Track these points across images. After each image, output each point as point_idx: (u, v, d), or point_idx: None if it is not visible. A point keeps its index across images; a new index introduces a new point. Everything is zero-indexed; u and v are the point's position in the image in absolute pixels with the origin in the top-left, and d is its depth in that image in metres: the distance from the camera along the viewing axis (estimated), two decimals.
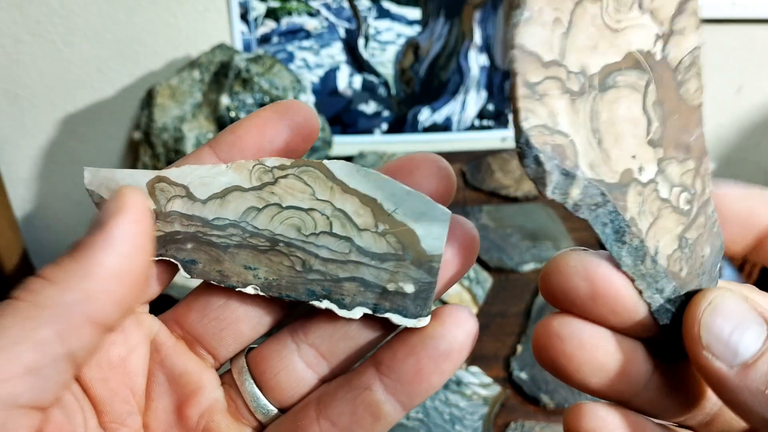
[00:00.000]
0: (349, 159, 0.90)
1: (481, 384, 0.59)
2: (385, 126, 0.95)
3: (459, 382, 0.60)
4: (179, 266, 0.20)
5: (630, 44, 0.19)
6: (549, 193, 0.18)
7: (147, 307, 0.21)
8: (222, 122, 0.75)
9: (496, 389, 0.58)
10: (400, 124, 0.95)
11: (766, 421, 0.17)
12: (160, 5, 0.80)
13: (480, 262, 0.79)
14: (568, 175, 0.18)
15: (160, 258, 0.20)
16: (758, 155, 1.06)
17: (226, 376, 0.22)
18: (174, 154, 0.76)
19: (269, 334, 0.22)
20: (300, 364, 0.21)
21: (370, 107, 0.93)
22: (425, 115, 0.95)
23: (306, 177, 0.19)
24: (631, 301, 0.19)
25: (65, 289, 0.17)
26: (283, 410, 0.21)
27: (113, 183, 0.19)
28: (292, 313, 0.21)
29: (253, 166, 0.19)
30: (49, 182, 0.94)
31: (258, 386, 0.21)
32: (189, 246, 0.20)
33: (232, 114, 0.74)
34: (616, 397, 0.19)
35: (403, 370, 0.19)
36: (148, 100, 0.78)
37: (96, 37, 0.82)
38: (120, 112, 0.88)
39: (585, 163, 0.18)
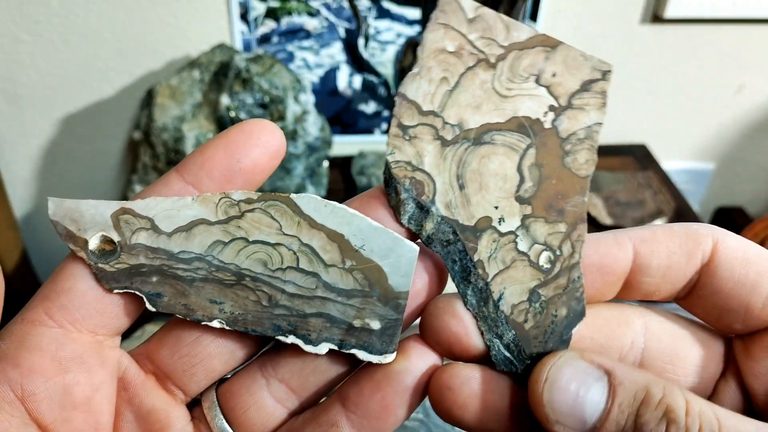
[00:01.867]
0: (348, 159, 0.90)
1: None
2: (385, 126, 0.95)
3: None
4: (144, 299, 0.20)
5: (517, 110, 0.20)
6: (405, 221, 0.20)
7: (118, 341, 0.21)
8: (222, 122, 0.75)
9: None
10: None
11: None
12: (160, 5, 0.80)
13: None
14: (423, 209, 0.20)
15: (125, 291, 0.20)
16: (758, 155, 1.05)
17: (195, 410, 0.21)
18: (174, 154, 0.76)
19: (239, 368, 0.21)
20: (269, 400, 0.21)
21: (370, 107, 0.93)
22: None
23: (273, 211, 0.19)
24: (473, 340, 0.20)
25: None
26: None
27: (77, 214, 0.19)
28: (260, 347, 0.21)
29: (220, 200, 0.19)
30: (48, 182, 0.94)
31: (228, 421, 0.21)
32: (154, 279, 0.20)
33: (232, 114, 0.74)
34: None
35: (370, 406, 0.19)
36: (148, 100, 0.78)
37: (96, 37, 0.82)
38: (120, 112, 0.88)
39: (441, 202, 0.20)
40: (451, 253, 0.20)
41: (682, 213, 0.84)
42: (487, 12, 0.20)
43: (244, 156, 0.19)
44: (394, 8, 0.85)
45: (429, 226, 0.20)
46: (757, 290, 0.19)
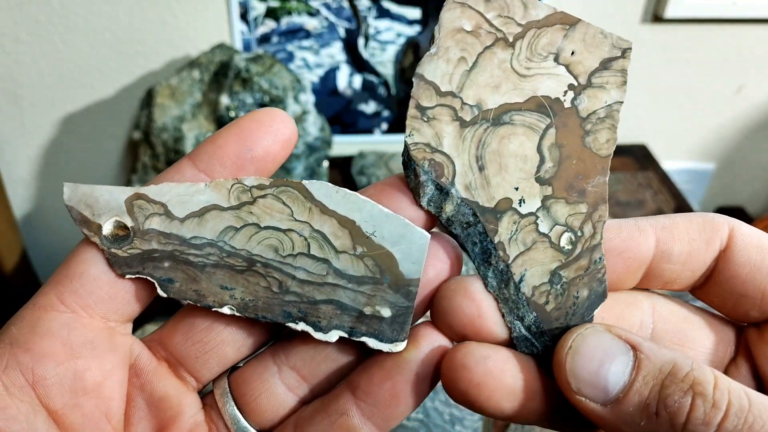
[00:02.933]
0: (348, 159, 0.90)
1: None
2: (385, 126, 0.95)
3: None
4: (156, 285, 0.20)
5: (537, 89, 0.20)
6: (424, 203, 0.20)
7: (130, 327, 0.21)
8: (222, 122, 0.75)
9: None
10: (400, 124, 0.95)
11: None
12: (160, 5, 0.80)
13: None
14: (442, 191, 0.20)
15: (137, 276, 0.20)
16: (758, 155, 1.05)
17: (207, 397, 0.21)
18: (174, 154, 0.76)
19: (251, 355, 0.21)
20: (281, 387, 0.21)
21: (370, 107, 0.93)
22: None
23: (285, 197, 0.19)
24: (493, 321, 0.20)
25: None
26: (262, 431, 0.21)
27: (92, 199, 0.19)
28: (274, 335, 0.21)
29: (232, 185, 0.19)
30: (48, 182, 0.94)
31: (239, 408, 0.21)
32: (166, 264, 0.20)
33: (232, 114, 0.74)
34: (533, 418, 0.20)
35: (380, 395, 0.19)
36: (148, 100, 0.78)
37: (96, 37, 0.82)
38: (120, 112, 0.88)
39: (461, 184, 0.20)
40: (471, 235, 0.20)
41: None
42: None
43: (256, 144, 0.19)
44: (394, 8, 0.85)
45: (449, 208, 0.20)
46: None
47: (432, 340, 0.20)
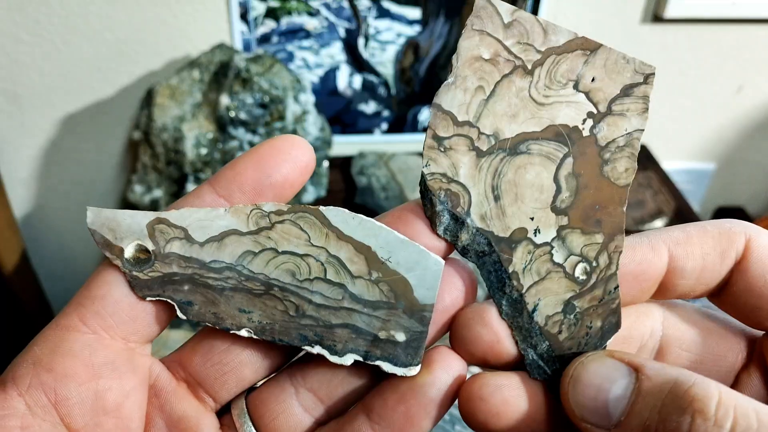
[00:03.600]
0: (348, 159, 0.90)
1: None
2: (385, 126, 0.95)
3: None
4: (176, 307, 0.20)
5: (554, 118, 0.20)
6: (440, 232, 0.20)
7: (149, 348, 0.21)
8: (222, 122, 0.75)
9: None
10: (400, 124, 0.95)
11: None
12: (160, 5, 0.80)
13: None
14: (458, 221, 0.20)
15: (158, 299, 0.20)
16: (758, 155, 1.05)
17: (225, 418, 0.22)
18: (173, 154, 0.76)
19: (268, 376, 0.22)
20: (298, 408, 0.21)
21: (370, 107, 0.93)
22: (425, 115, 0.95)
23: (302, 223, 0.20)
24: (510, 347, 0.20)
25: None
26: None
27: (114, 223, 0.20)
28: (291, 357, 0.22)
29: (251, 211, 0.20)
30: (48, 182, 0.94)
31: (256, 429, 0.21)
32: (186, 287, 0.20)
33: (232, 114, 0.74)
34: None
35: (394, 418, 0.19)
36: (148, 100, 0.78)
37: (96, 37, 0.82)
38: (120, 112, 0.88)
39: (476, 214, 0.20)
40: (486, 264, 0.20)
41: (682, 213, 0.84)
42: (524, 15, 0.20)
43: (275, 171, 0.20)
44: (394, 8, 0.85)
45: (464, 237, 0.20)
46: None
47: (445, 365, 0.20)
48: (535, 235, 0.20)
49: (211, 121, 0.76)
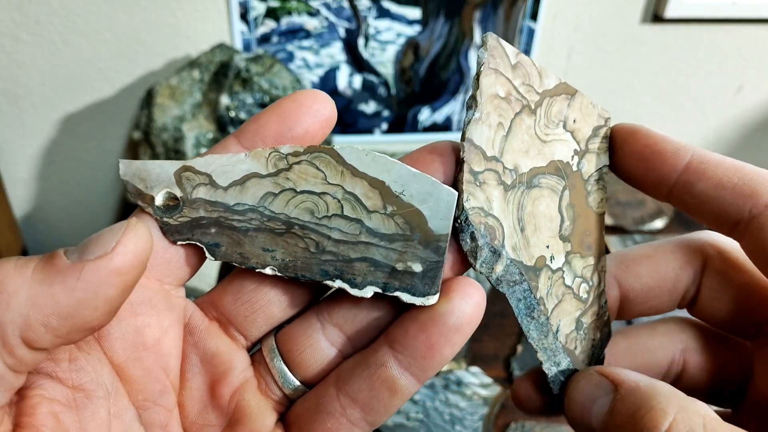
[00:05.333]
0: None
1: (481, 384, 0.59)
2: (385, 126, 0.95)
3: (459, 383, 0.60)
4: (204, 250, 0.21)
5: (554, 154, 0.22)
6: (478, 266, 0.21)
7: (183, 291, 0.22)
8: (222, 122, 0.75)
9: (496, 389, 0.58)
10: (400, 124, 0.95)
11: None
12: (160, 5, 0.80)
13: None
14: (495, 253, 0.21)
15: (188, 242, 0.21)
16: (758, 155, 1.05)
17: (255, 354, 0.23)
18: (173, 154, 0.76)
19: (296, 315, 0.23)
20: (324, 342, 0.22)
21: (370, 107, 0.93)
22: (425, 115, 0.95)
23: (318, 162, 0.20)
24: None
25: (12, 301, 0.16)
26: (307, 384, 0.22)
27: (144, 173, 0.21)
28: (318, 296, 0.23)
29: (269, 154, 0.21)
30: (48, 182, 0.94)
31: (285, 363, 0.22)
32: (213, 230, 0.21)
33: (232, 114, 0.74)
34: None
35: (416, 347, 0.20)
36: (148, 100, 0.78)
37: (96, 37, 0.82)
38: (120, 112, 0.88)
39: (509, 245, 0.21)
40: (516, 292, 0.21)
41: (681, 213, 0.84)
42: (524, 59, 0.21)
43: (296, 124, 0.20)
44: (394, 8, 0.85)
45: (499, 269, 0.21)
46: (752, 298, 0.21)
47: (464, 293, 0.20)
48: (551, 262, 0.22)
49: (211, 121, 0.76)
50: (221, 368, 0.22)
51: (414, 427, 0.57)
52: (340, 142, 0.93)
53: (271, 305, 0.22)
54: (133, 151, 0.91)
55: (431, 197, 0.20)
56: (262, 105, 0.75)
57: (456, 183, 0.20)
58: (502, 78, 0.20)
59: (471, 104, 0.20)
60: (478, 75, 0.20)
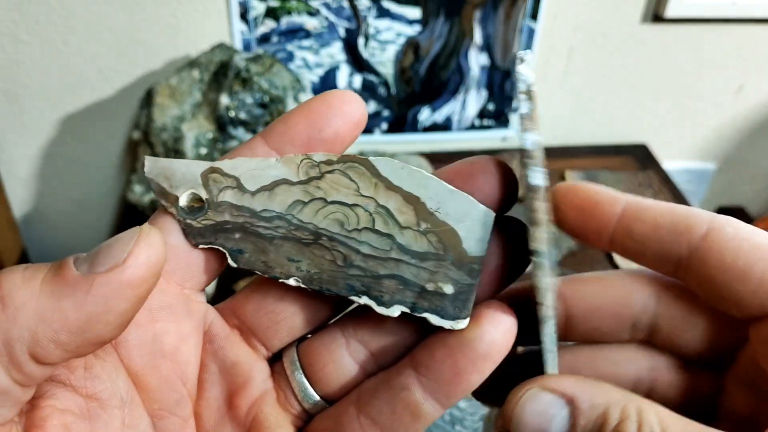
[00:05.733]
0: None
1: None
2: (385, 125, 0.95)
3: None
4: (227, 255, 0.20)
5: None
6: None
7: (204, 297, 0.21)
8: (221, 122, 0.75)
9: None
10: (400, 124, 0.95)
11: None
12: (160, 5, 0.80)
13: None
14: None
15: (210, 246, 0.20)
16: (759, 155, 1.05)
17: (275, 365, 0.22)
18: (173, 154, 0.76)
19: (319, 328, 0.22)
20: (347, 359, 0.21)
21: (369, 107, 0.93)
22: (425, 115, 0.95)
23: (351, 173, 0.20)
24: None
25: (19, 316, 0.16)
26: (327, 400, 0.22)
27: (170, 172, 0.20)
28: (341, 310, 0.22)
29: (301, 161, 0.20)
30: (48, 182, 0.94)
31: (306, 377, 0.21)
32: (237, 236, 0.20)
33: (232, 114, 0.74)
34: None
35: (442, 372, 0.19)
36: (148, 100, 0.77)
37: (95, 37, 0.82)
38: (119, 112, 0.88)
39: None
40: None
41: None
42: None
43: (326, 126, 0.20)
44: (394, 7, 0.85)
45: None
46: (745, 282, 0.19)
47: (495, 320, 0.19)
48: None
49: (210, 120, 0.76)
50: (240, 378, 0.21)
51: None
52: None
53: (294, 317, 0.21)
54: (132, 151, 0.91)
55: (468, 217, 0.19)
56: (262, 105, 0.75)
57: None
58: None
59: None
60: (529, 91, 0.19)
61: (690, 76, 0.95)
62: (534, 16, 0.87)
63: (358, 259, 0.20)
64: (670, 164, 1.01)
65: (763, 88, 0.98)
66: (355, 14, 0.85)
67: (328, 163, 0.20)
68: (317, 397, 0.21)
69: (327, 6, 0.84)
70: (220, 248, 0.20)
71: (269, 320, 0.21)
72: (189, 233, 0.20)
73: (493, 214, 0.19)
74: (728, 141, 1.03)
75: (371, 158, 0.20)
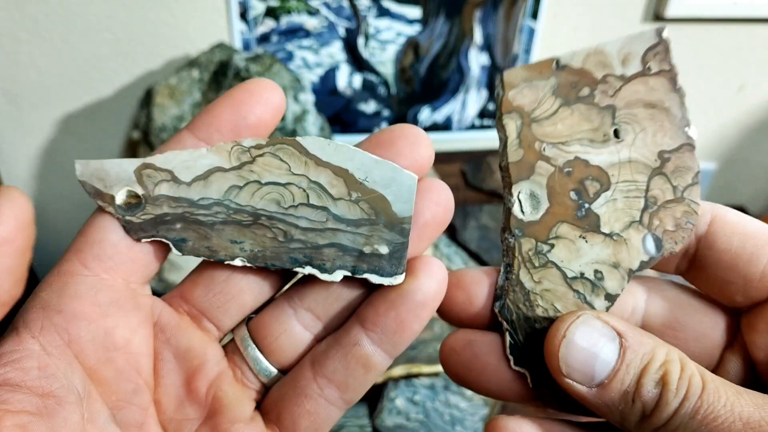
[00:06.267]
0: None
1: None
2: (385, 125, 0.95)
3: None
4: (170, 245, 0.21)
5: None
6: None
7: (149, 289, 0.22)
8: None
9: None
10: (399, 124, 0.95)
11: (623, 426, 0.20)
12: (159, 4, 0.80)
13: (480, 261, 0.78)
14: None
15: (153, 239, 0.21)
16: (759, 155, 1.05)
17: (229, 344, 0.23)
18: None
19: (267, 303, 0.23)
20: (298, 327, 0.23)
21: (370, 106, 0.93)
22: (425, 115, 0.95)
23: (281, 154, 0.21)
24: (475, 309, 0.23)
25: None
26: (283, 370, 0.23)
27: (102, 173, 0.21)
28: (287, 282, 0.23)
29: (232, 148, 0.21)
30: (48, 182, 0.94)
31: (260, 351, 0.23)
32: (178, 226, 0.21)
33: None
34: (517, 397, 0.23)
35: (387, 324, 0.21)
36: (147, 100, 0.77)
37: (95, 37, 0.82)
38: (119, 112, 0.88)
39: None
40: None
41: None
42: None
43: (250, 113, 0.21)
44: (394, 7, 0.85)
45: None
46: (754, 262, 0.20)
47: (428, 271, 0.21)
48: None
49: None
50: (195, 362, 0.22)
51: (414, 427, 0.57)
52: (341, 141, 0.93)
53: (243, 294, 0.22)
54: (132, 150, 0.91)
55: (394, 182, 0.21)
56: None
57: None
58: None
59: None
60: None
61: (690, 75, 0.95)
62: (534, 15, 0.87)
63: (298, 233, 0.21)
64: None
65: (764, 88, 0.98)
66: (355, 14, 0.85)
67: (258, 147, 0.21)
68: (273, 369, 0.23)
69: (327, 5, 0.83)
70: (163, 240, 0.21)
71: (218, 301, 0.22)
72: (130, 229, 0.21)
73: (416, 177, 0.21)
74: (729, 140, 1.03)
75: (298, 138, 0.21)
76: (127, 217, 0.21)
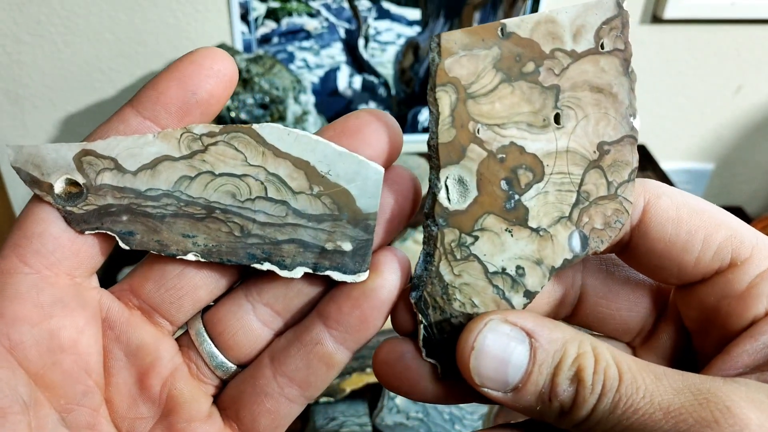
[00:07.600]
0: None
1: None
2: None
3: None
4: (117, 239, 0.20)
5: None
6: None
7: (96, 280, 0.21)
8: (222, 122, 0.75)
9: None
10: (400, 125, 0.95)
11: (546, 422, 0.19)
12: (161, 5, 0.80)
13: None
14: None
15: (97, 231, 0.20)
16: (757, 156, 1.06)
17: (183, 338, 0.22)
18: None
19: (223, 296, 0.22)
20: (256, 323, 0.22)
21: (370, 107, 0.93)
22: (425, 116, 0.95)
23: (236, 143, 0.19)
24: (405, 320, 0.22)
25: None
26: (241, 366, 0.22)
27: (39, 159, 0.19)
28: (245, 275, 0.22)
29: (181, 135, 0.19)
30: None
31: (217, 347, 0.22)
32: (125, 218, 0.20)
33: (233, 114, 0.74)
34: (453, 400, 0.22)
35: (350, 322, 0.21)
36: None
37: (97, 38, 0.82)
38: None
39: None
40: None
41: None
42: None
43: (199, 88, 0.19)
44: (394, 9, 0.85)
45: None
46: (688, 250, 0.20)
47: (393, 267, 0.21)
48: None
49: (211, 121, 0.76)
50: (148, 359, 0.21)
51: (414, 426, 0.57)
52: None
53: (198, 290, 0.21)
54: None
55: (358, 176, 0.20)
56: (263, 106, 0.75)
57: None
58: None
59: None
60: None
61: (688, 76, 0.95)
62: None
63: (255, 227, 0.20)
64: (668, 164, 1.01)
65: (762, 89, 0.98)
66: (356, 15, 0.85)
67: (211, 135, 0.19)
68: (230, 365, 0.22)
69: (327, 7, 0.84)
70: (109, 233, 0.20)
71: (171, 296, 0.21)
72: (72, 220, 0.19)
73: (382, 170, 0.20)
74: (726, 141, 1.04)
75: (255, 126, 0.19)
76: (68, 208, 0.19)
